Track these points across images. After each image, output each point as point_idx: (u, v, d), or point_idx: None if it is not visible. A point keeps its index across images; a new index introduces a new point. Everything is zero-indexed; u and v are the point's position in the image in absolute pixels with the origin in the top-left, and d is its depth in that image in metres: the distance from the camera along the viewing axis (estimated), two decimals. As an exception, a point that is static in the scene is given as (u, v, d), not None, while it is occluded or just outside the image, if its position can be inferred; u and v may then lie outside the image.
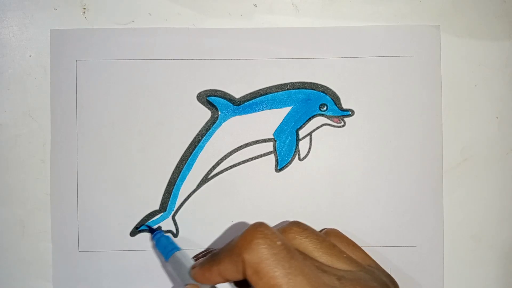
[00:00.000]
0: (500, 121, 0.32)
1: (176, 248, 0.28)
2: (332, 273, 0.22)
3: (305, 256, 0.23)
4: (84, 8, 0.31)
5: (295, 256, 0.21)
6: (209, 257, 0.24)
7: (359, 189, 0.31)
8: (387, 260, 0.31)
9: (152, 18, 0.31)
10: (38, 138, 0.31)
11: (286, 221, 0.29)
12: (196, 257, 0.30)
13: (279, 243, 0.21)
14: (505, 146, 0.32)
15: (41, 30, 0.31)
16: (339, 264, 0.23)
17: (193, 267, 0.25)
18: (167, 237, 0.30)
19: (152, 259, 0.31)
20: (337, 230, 0.28)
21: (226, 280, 0.24)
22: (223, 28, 0.31)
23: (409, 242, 0.31)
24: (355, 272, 0.23)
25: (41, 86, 0.31)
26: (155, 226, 0.31)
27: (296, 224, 0.25)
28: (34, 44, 0.31)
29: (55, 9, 0.31)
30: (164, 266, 0.31)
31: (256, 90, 0.31)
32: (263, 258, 0.21)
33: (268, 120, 0.31)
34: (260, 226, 0.22)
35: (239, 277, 0.22)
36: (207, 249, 0.31)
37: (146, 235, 0.31)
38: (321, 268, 0.22)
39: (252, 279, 0.21)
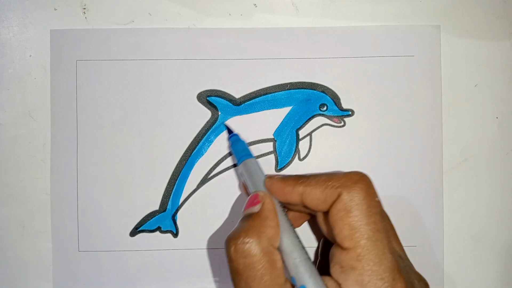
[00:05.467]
0: (500, 121, 0.32)
1: (251, 155, 0.28)
2: (396, 249, 0.24)
3: None
4: (84, 8, 0.31)
5: (383, 218, 0.22)
6: (296, 176, 0.24)
7: (359, 189, 0.31)
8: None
9: (152, 18, 0.31)
10: (38, 138, 0.31)
11: None
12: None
13: (377, 199, 0.22)
14: (505, 146, 0.32)
15: (41, 30, 0.31)
16: (396, 245, 0.25)
17: (270, 177, 0.25)
18: (244, 142, 0.29)
19: (152, 259, 0.31)
20: None
21: (300, 203, 0.24)
22: (223, 28, 0.31)
23: (409, 242, 0.31)
24: (405, 259, 0.24)
25: (41, 86, 0.31)
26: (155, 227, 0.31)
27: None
28: (34, 44, 0.31)
29: (55, 9, 0.31)
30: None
31: (256, 90, 0.31)
32: (360, 204, 0.21)
33: (268, 120, 0.31)
34: (366, 176, 0.23)
35: (319, 207, 0.23)
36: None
37: (146, 235, 0.31)
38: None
39: (338, 214, 0.21)
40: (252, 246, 0.21)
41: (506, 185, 0.32)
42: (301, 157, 0.31)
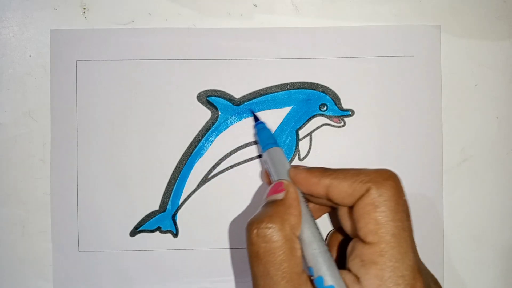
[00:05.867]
0: (500, 121, 0.32)
1: (277, 144, 0.28)
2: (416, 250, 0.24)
3: None
4: (84, 8, 0.31)
5: (409, 217, 0.22)
6: (322, 168, 0.24)
7: (359, 189, 0.31)
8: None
9: (152, 18, 0.31)
10: (38, 138, 0.31)
11: None
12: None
13: (405, 198, 0.22)
14: (505, 146, 0.32)
15: (41, 30, 0.31)
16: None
17: (296, 167, 0.25)
18: (270, 130, 0.29)
19: (152, 259, 0.31)
20: None
21: (324, 195, 0.23)
22: (223, 28, 0.31)
23: (409, 242, 0.31)
24: (421, 261, 0.24)
25: (41, 86, 0.31)
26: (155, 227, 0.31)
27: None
28: (34, 44, 0.31)
29: (55, 9, 0.31)
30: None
31: (256, 90, 0.31)
32: (388, 200, 0.21)
33: (268, 120, 0.31)
34: (395, 174, 0.23)
35: (344, 200, 0.23)
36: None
37: (146, 235, 0.31)
38: None
39: (365, 208, 0.21)
40: (274, 231, 0.21)
41: (506, 185, 0.32)
42: (301, 157, 0.31)
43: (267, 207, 0.23)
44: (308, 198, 0.25)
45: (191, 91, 0.31)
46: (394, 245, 0.21)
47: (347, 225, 0.24)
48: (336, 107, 0.31)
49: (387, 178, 0.22)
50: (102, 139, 0.31)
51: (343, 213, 0.24)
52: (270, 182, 0.26)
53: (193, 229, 0.31)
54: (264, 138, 0.29)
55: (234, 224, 0.31)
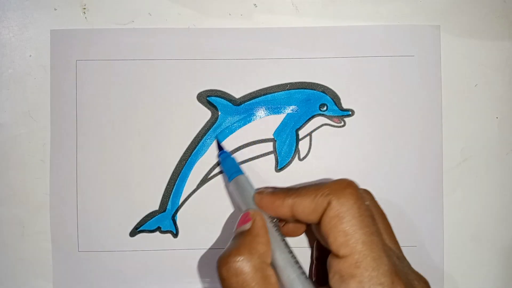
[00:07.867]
0: (500, 121, 0.32)
1: (240, 172, 0.28)
2: (392, 250, 0.23)
3: None
4: (84, 8, 0.31)
5: (375, 221, 0.22)
6: (285, 189, 0.24)
7: (359, 189, 0.31)
8: (387, 260, 0.31)
9: (152, 18, 0.31)
10: (38, 138, 0.31)
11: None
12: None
13: (367, 203, 0.22)
14: (505, 146, 0.32)
15: (41, 30, 0.31)
16: (393, 245, 0.24)
17: (260, 193, 0.25)
18: (233, 159, 0.29)
19: (152, 259, 0.31)
20: None
21: (291, 216, 0.23)
22: (223, 28, 0.31)
23: (409, 242, 0.31)
24: (403, 259, 0.24)
25: (41, 86, 0.31)
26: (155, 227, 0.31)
27: (369, 193, 0.26)
28: (34, 44, 0.31)
29: (55, 9, 0.31)
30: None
31: (256, 90, 0.31)
32: (351, 209, 0.21)
33: (268, 120, 0.31)
34: (353, 182, 0.23)
35: (310, 217, 0.22)
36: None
37: (146, 235, 0.31)
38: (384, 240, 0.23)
39: (331, 222, 0.21)
40: (243, 263, 0.21)
41: (506, 185, 0.32)
42: (301, 157, 0.31)
43: (235, 240, 0.23)
44: (283, 219, 0.25)
45: (191, 91, 0.31)
46: (367, 253, 0.21)
47: (322, 241, 0.24)
48: (336, 107, 0.31)
49: (345, 187, 0.22)
50: (102, 139, 0.31)
51: (316, 230, 0.24)
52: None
53: (193, 229, 0.31)
54: (228, 167, 0.29)
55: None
